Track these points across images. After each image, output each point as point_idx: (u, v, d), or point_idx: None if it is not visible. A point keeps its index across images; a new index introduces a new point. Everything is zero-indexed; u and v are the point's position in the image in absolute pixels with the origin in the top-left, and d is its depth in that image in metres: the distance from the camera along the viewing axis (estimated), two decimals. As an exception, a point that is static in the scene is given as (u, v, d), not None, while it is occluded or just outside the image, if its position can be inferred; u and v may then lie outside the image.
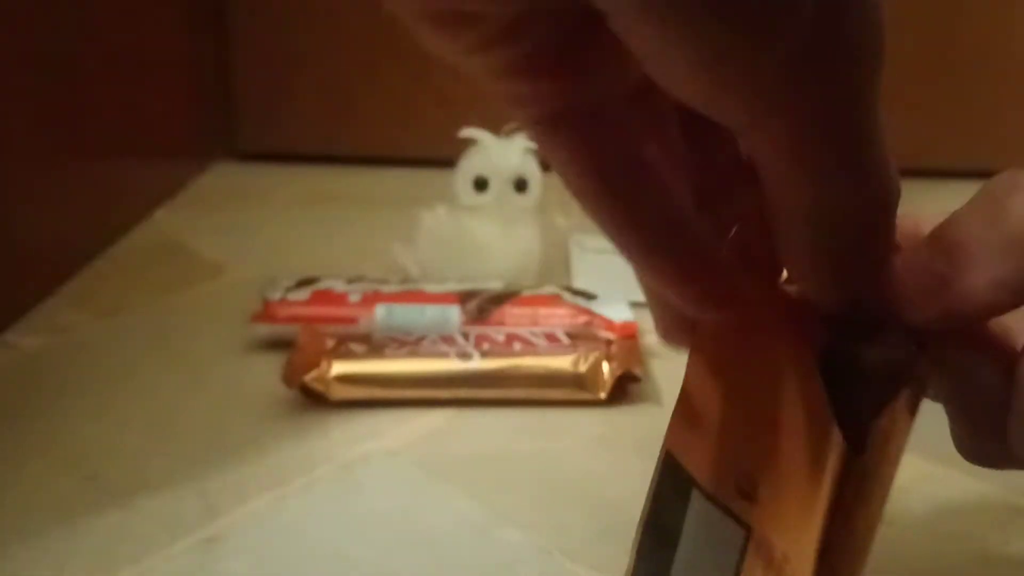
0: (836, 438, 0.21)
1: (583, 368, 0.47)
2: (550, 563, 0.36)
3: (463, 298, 0.54)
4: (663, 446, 0.27)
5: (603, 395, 0.47)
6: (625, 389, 0.48)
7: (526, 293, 0.55)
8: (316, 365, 0.47)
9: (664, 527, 0.27)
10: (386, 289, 0.55)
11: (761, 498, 0.23)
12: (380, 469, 0.43)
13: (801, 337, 0.22)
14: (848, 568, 0.22)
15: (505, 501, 0.40)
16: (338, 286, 0.56)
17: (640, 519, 0.28)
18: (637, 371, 0.48)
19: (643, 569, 0.27)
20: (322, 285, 0.56)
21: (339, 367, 0.47)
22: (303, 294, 0.55)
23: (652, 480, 0.27)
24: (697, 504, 0.25)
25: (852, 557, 0.22)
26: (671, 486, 0.26)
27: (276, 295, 0.55)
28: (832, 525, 0.21)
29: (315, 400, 0.47)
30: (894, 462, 0.22)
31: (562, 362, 0.48)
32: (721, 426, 0.25)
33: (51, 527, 0.38)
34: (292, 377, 0.47)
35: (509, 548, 0.37)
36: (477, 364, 0.48)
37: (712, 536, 0.25)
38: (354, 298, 0.55)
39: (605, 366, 0.48)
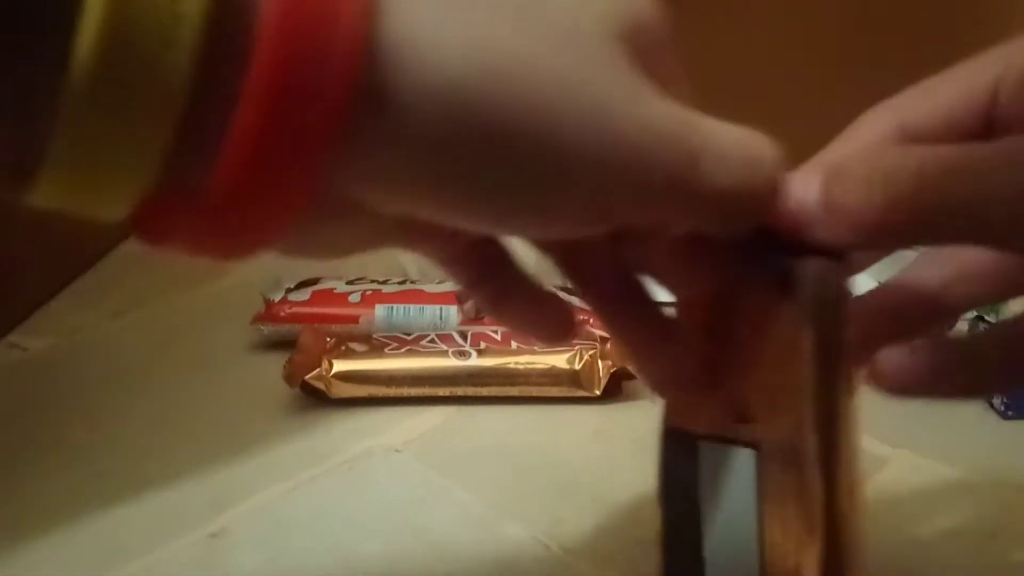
0: (805, 321, 0.24)
1: (578, 365, 0.48)
2: (549, 556, 0.37)
3: (461, 297, 0.55)
4: (662, 425, 0.28)
5: (598, 391, 0.48)
6: (620, 385, 0.49)
7: (524, 292, 0.56)
8: (317, 364, 0.48)
9: (681, 485, 0.28)
10: (386, 289, 0.56)
11: (757, 413, 0.26)
12: (382, 465, 0.44)
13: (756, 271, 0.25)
14: (846, 436, 0.24)
15: (505, 495, 0.41)
16: (339, 286, 0.57)
17: (658, 492, 0.29)
18: (631, 368, 0.48)
19: (673, 525, 0.28)
20: (323, 286, 0.57)
21: (340, 366, 0.48)
22: (304, 294, 0.56)
23: (659, 458, 0.28)
24: (705, 451, 0.27)
25: (846, 425, 0.24)
26: (676, 451, 0.28)
27: (278, 296, 0.56)
28: (821, 394, 0.24)
29: (317, 398, 0.48)
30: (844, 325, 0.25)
31: (558, 359, 0.48)
32: (712, 378, 0.27)
33: (60, 522, 0.39)
34: (294, 376, 0.48)
35: (509, 541, 0.38)
36: (475, 362, 0.48)
37: (726, 469, 0.26)
38: (354, 298, 0.55)
39: (600, 363, 0.48)
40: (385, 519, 0.40)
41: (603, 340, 0.51)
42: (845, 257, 0.24)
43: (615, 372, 0.48)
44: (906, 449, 0.44)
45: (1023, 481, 0.42)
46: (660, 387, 0.28)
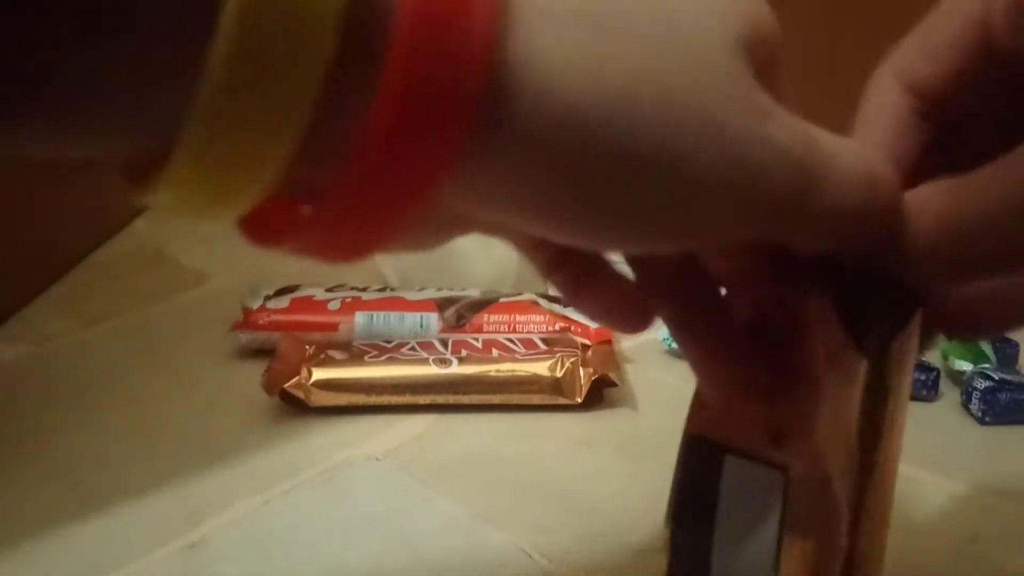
0: (858, 359, 0.24)
1: (560, 373, 0.48)
2: (531, 564, 0.37)
3: (441, 305, 0.55)
4: (685, 431, 0.28)
5: (579, 399, 0.48)
6: (601, 393, 0.49)
7: (503, 300, 0.56)
8: (296, 372, 0.48)
9: (699, 496, 0.27)
10: (366, 297, 0.56)
11: (794, 439, 0.25)
12: (363, 474, 0.43)
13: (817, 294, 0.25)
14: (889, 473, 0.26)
15: (487, 504, 0.41)
16: (318, 294, 0.56)
17: (669, 499, 0.28)
18: (613, 376, 0.48)
19: (683, 536, 0.28)
20: (302, 293, 0.57)
21: (319, 374, 0.48)
22: (283, 302, 0.56)
23: (677, 464, 0.28)
24: (731, 466, 0.27)
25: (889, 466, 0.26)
26: (700, 460, 0.28)
27: (256, 303, 0.55)
28: (867, 435, 0.25)
29: (296, 407, 0.48)
30: (908, 374, 0.26)
31: (539, 367, 0.48)
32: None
33: (35, 535, 0.38)
34: (272, 384, 0.48)
35: (492, 550, 0.38)
36: (456, 370, 0.48)
37: (752, 487, 0.26)
38: (334, 306, 0.55)
39: (581, 371, 0.48)
40: (366, 529, 0.39)
41: (584, 348, 0.51)
42: (918, 300, 0.25)
43: (596, 380, 0.48)
44: (886, 455, 0.44)
45: (1002, 485, 0.42)
46: (724, 398, 0.27)
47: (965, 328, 0.29)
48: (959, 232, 0.22)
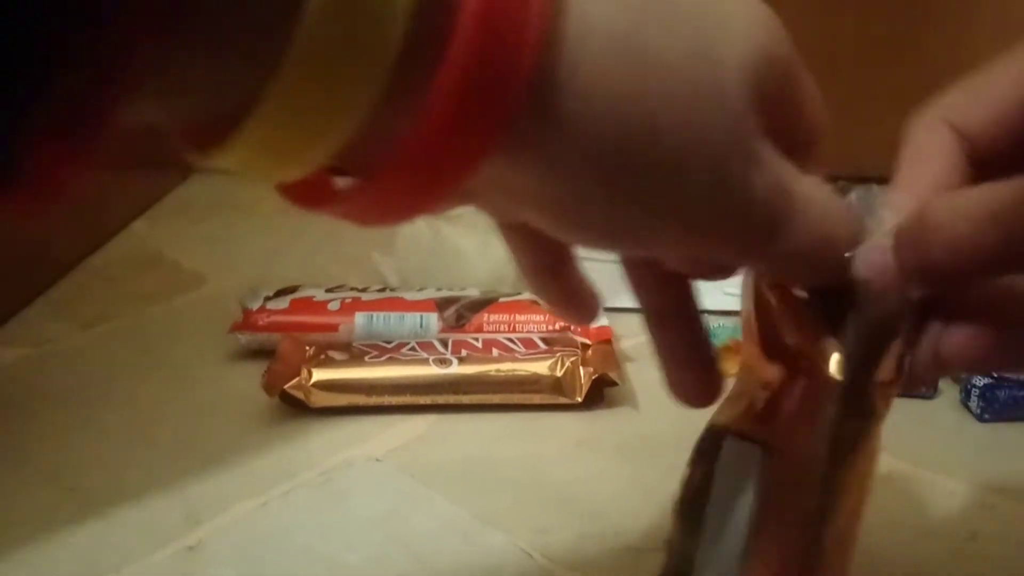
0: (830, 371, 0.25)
1: (560, 372, 0.48)
2: (532, 565, 0.37)
3: (441, 305, 0.55)
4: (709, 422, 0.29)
5: (579, 399, 0.48)
6: (602, 393, 0.49)
7: (503, 300, 0.56)
8: (296, 373, 0.48)
9: (699, 484, 0.28)
10: (365, 297, 0.56)
11: (770, 415, 0.27)
12: (363, 475, 0.43)
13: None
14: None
15: (487, 504, 0.41)
16: (318, 295, 0.56)
17: (680, 487, 0.29)
18: (613, 375, 0.48)
19: (678, 526, 0.28)
20: (302, 294, 0.57)
21: (319, 374, 0.48)
22: (283, 303, 0.56)
23: (692, 451, 0.28)
24: (726, 444, 0.28)
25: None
26: (707, 442, 0.28)
27: (256, 304, 0.55)
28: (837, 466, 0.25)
29: (296, 408, 0.47)
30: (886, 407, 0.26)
31: (539, 367, 0.48)
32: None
33: (32, 538, 0.38)
34: (273, 385, 0.48)
35: (492, 551, 0.38)
36: (456, 370, 0.48)
37: (738, 466, 0.27)
38: (334, 306, 0.55)
39: (581, 370, 0.48)
40: (366, 530, 0.39)
41: (584, 347, 0.51)
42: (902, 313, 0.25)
43: (597, 379, 0.48)
44: (883, 452, 0.44)
45: (1001, 483, 0.42)
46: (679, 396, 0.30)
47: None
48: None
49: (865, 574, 0.36)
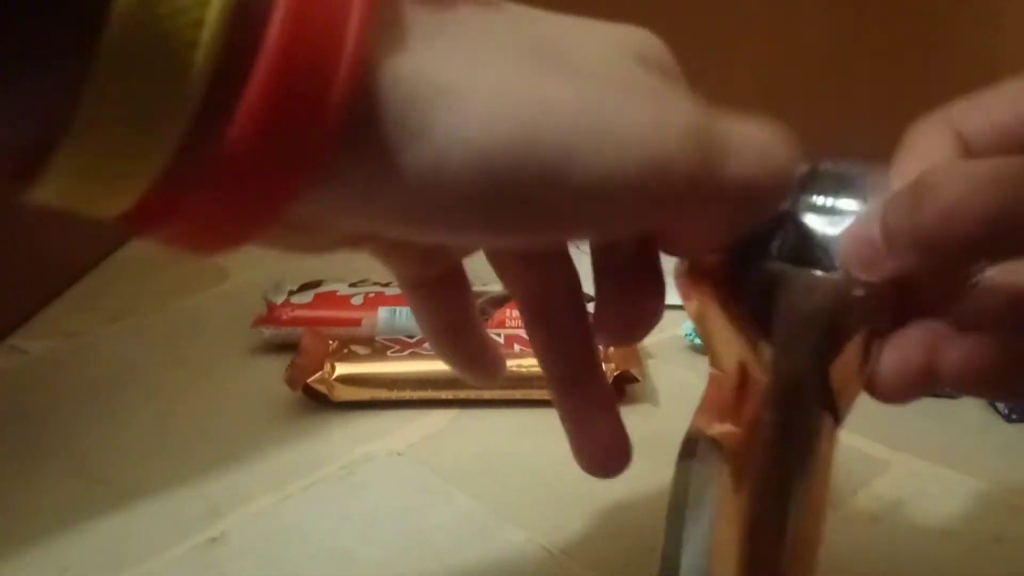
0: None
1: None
2: (551, 562, 0.37)
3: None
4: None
5: (601, 395, 0.48)
6: (623, 390, 0.49)
7: (526, 295, 0.56)
8: (319, 367, 0.48)
9: (680, 482, 0.28)
10: (389, 292, 0.56)
11: (726, 414, 0.25)
12: (383, 469, 0.44)
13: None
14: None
15: (507, 501, 0.41)
16: (341, 289, 0.57)
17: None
18: (635, 371, 0.48)
19: (668, 527, 0.28)
20: (325, 288, 0.57)
21: (342, 369, 0.48)
22: (306, 297, 0.56)
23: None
24: (699, 447, 0.27)
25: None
26: (686, 444, 0.28)
27: (280, 298, 0.56)
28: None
29: (318, 402, 0.48)
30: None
31: (561, 363, 0.48)
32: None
33: (57, 528, 0.39)
34: (296, 379, 0.48)
35: (511, 547, 0.38)
36: (477, 366, 0.48)
37: (707, 467, 0.26)
38: (357, 301, 0.55)
39: (603, 366, 0.48)
40: (386, 524, 0.39)
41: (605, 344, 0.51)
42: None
43: (618, 375, 0.48)
44: (907, 452, 0.44)
45: (1028, 485, 0.42)
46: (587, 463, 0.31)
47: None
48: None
49: (887, 575, 0.36)
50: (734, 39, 0.74)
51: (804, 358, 0.23)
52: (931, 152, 0.25)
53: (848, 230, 0.24)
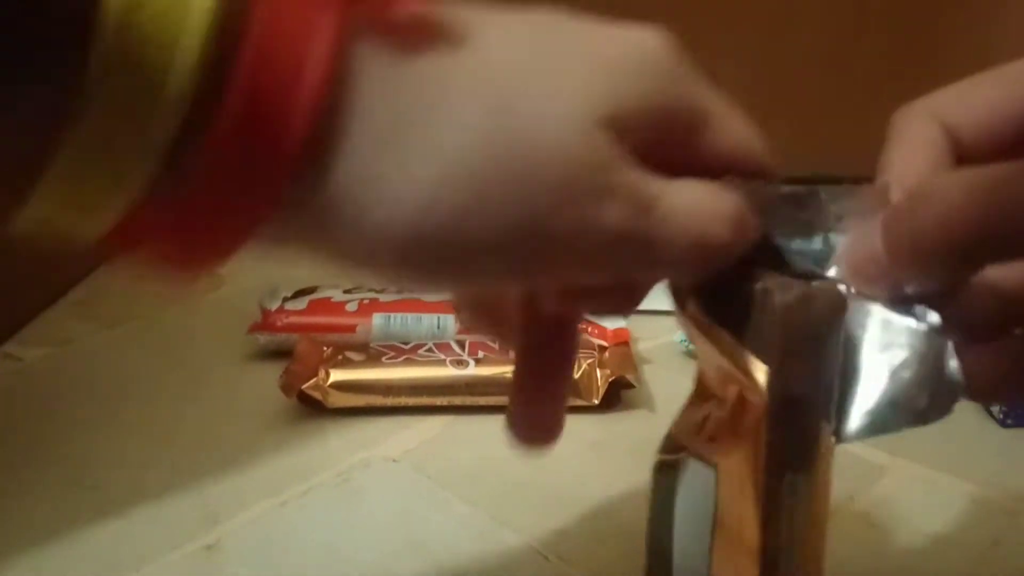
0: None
1: (576, 374, 0.48)
2: (547, 566, 0.37)
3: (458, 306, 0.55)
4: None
5: (596, 401, 0.48)
6: (619, 395, 0.49)
7: (522, 301, 0.56)
8: (314, 374, 0.48)
9: (666, 498, 0.27)
10: (383, 298, 0.56)
11: (720, 435, 0.25)
12: (379, 475, 0.43)
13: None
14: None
15: (503, 505, 0.41)
16: (336, 295, 0.57)
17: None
18: (630, 377, 0.48)
19: (651, 536, 0.28)
20: (320, 295, 0.57)
21: (337, 375, 0.48)
22: (301, 303, 0.56)
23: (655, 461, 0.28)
24: (684, 462, 0.27)
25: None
26: (667, 452, 0.28)
27: (274, 305, 0.56)
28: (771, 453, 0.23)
29: (313, 408, 0.48)
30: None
31: (557, 369, 0.48)
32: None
33: (54, 535, 0.39)
34: (291, 386, 0.48)
35: (507, 552, 0.38)
36: (473, 371, 0.48)
37: (696, 485, 0.26)
38: (351, 307, 0.55)
39: (598, 372, 0.48)
40: (382, 530, 0.39)
41: (601, 349, 0.51)
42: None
43: (613, 381, 0.48)
44: (904, 458, 0.44)
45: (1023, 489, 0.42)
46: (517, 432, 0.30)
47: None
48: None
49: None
50: (734, 39, 0.74)
51: (804, 371, 0.23)
52: (922, 148, 0.25)
53: (849, 248, 0.24)
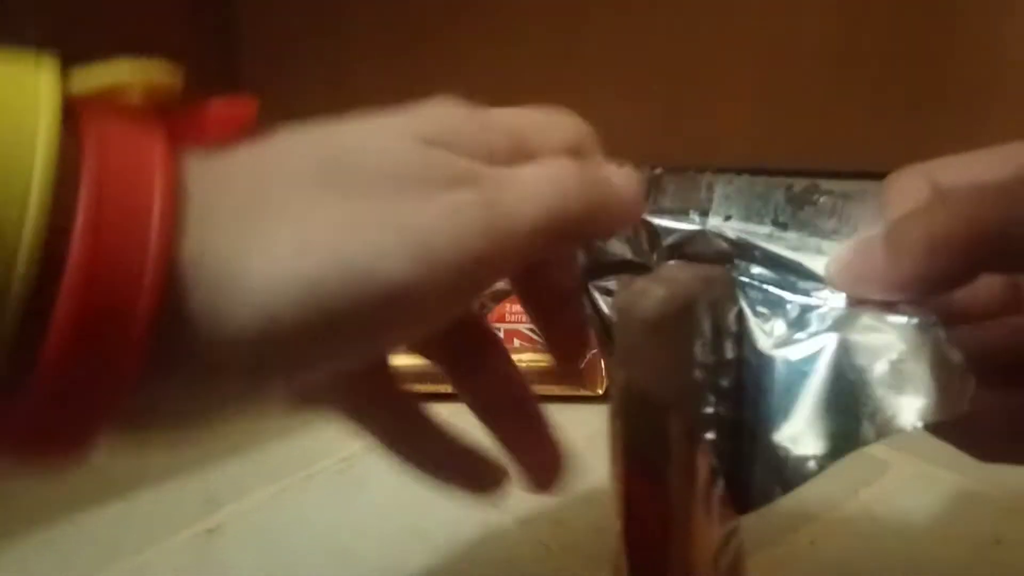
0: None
1: (581, 364, 0.48)
2: (548, 556, 0.37)
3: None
4: None
5: (600, 391, 0.48)
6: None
7: (526, 290, 0.56)
8: (318, 360, 0.48)
9: None
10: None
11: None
12: (380, 463, 0.43)
13: None
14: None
15: (505, 495, 0.41)
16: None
17: None
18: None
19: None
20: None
21: (340, 362, 0.48)
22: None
23: None
24: None
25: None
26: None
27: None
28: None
29: (316, 394, 0.48)
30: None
31: (561, 358, 0.48)
32: None
33: (56, 519, 0.39)
34: (294, 371, 0.48)
35: (508, 541, 0.38)
36: (477, 360, 0.48)
37: None
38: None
39: (602, 362, 0.48)
40: (382, 518, 0.39)
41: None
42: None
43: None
44: (907, 453, 0.44)
45: (1027, 487, 0.41)
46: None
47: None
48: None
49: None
50: (734, 40, 0.74)
51: (642, 365, 0.23)
52: (914, 197, 0.25)
53: (845, 257, 0.24)
